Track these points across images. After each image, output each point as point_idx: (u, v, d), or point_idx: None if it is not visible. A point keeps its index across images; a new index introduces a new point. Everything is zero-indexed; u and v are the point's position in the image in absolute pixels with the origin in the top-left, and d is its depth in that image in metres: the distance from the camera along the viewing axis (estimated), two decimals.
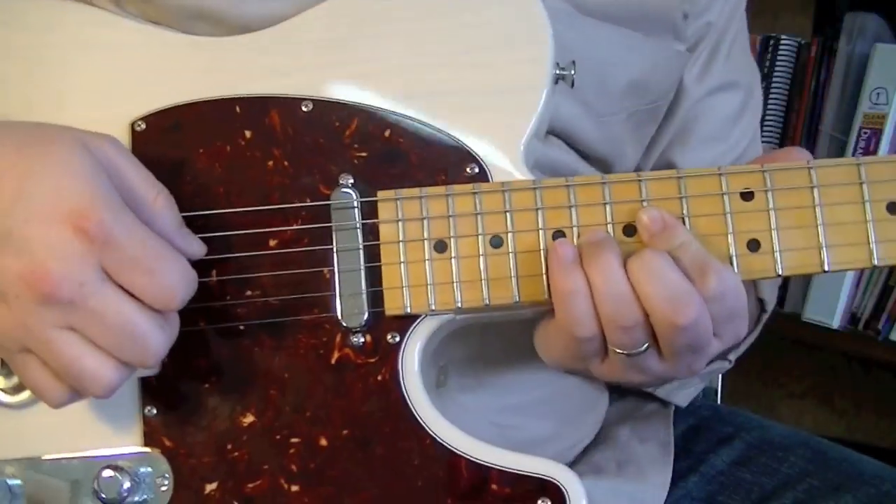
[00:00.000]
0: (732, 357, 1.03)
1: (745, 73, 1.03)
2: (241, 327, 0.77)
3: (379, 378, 0.76)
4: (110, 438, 0.77)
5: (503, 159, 0.76)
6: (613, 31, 0.87)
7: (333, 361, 0.76)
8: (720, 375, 1.43)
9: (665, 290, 0.69)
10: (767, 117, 1.84)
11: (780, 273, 0.73)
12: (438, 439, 0.75)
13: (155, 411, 0.77)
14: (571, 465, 0.97)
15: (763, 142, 1.83)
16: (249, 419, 0.76)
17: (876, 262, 0.73)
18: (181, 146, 0.78)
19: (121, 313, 0.68)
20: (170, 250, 0.70)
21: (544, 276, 0.74)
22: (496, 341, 0.87)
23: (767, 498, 0.98)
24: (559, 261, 0.71)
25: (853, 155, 1.75)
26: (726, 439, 1.05)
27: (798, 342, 1.90)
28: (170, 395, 0.77)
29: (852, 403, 2.09)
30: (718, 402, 1.51)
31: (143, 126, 0.78)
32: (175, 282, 0.69)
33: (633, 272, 0.70)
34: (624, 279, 0.70)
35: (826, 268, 0.73)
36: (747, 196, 0.74)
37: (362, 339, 0.76)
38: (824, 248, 0.73)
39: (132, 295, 0.69)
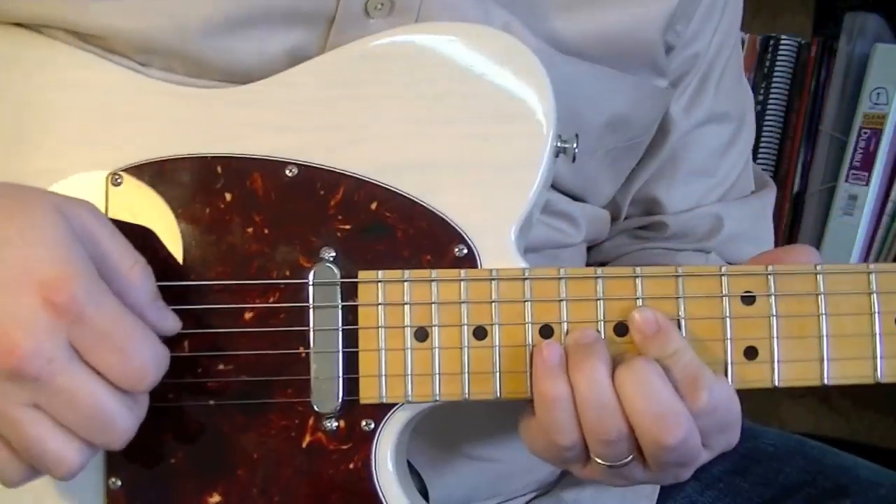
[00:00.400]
0: None
1: (736, 103, 0.96)
2: (212, 403, 0.70)
3: (351, 466, 0.69)
4: None
5: (494, 241, 0.69)
6: (590, 69, 0.79)
7: (305, 445, 0.70)
8: None
9: (653, 406, 0.63)
10: (767, 117, 1.77)
11: (776, 385, 0.67)
12: None
13: (119, 483, 0.71)
14: (554, 483, 0.93)
15: (763, 142, 1.77)
16: (216, 499, 0.70)
17: (880, 378, 0.67)
18: (159, 205, 0.71)
19: (89, 394, 0.62)
20: (142, 328, 0.64)
21: (528, 374, 0.67)
22: None
23: None
24: (544, 364, 0.65)
25: (853, 154, 1.68)
26: None
27: None
28: (135, 467, 0.70)
29: (852, 403, 2.03)
30: None
31: (121, 180, 0.71)
32: (146, 362, 0.63)
33: (621, 384, 0.64)
34: (610, 389, 0.64)
35: (825, 381, 0.67)
36: (748, 300, 0.67)
37: (335, 424, 0.69)
38: (825, 361, 0.67)
39: (100, 373, 0.62)
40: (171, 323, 0.67)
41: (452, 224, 0.69)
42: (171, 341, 0.68)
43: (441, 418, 0.81)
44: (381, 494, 0.69)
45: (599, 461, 0.66)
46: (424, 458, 0.80)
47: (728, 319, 0.67)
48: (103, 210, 0.70)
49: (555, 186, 0.83)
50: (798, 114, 1.77)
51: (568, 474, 0.94)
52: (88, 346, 0.62)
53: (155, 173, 0.70)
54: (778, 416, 2.07)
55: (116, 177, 0.71)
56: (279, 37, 0.72)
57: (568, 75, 0.77)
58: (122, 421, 0.63)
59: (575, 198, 0.85)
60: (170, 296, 0.68)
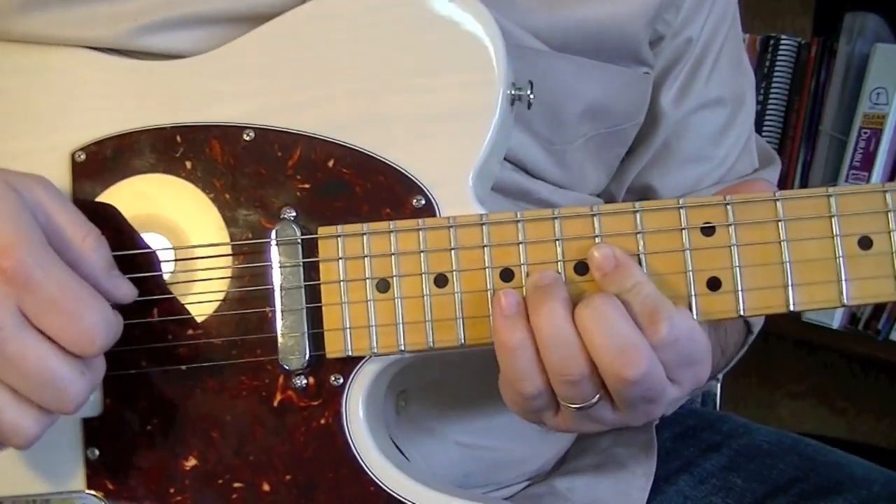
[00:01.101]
0: (720, 375, 0.95)
1: (732, 86, 0.93)
2: (184, 368, 0.69)
3: (322, 422, 0.68)
4: (52, 481, 0.70)
5: (451, 190, 0.68)
6: (565, 61, 0.77)
7: (276, 404, 0.68)
8: (719, 375, 1.34)
9: (613, 340, 0.61)
10: (767, 117, 1.74)
11: (742, 314, 0.64)
12: (383, 486, 0.67)
13: (98, 453, 0.69)
14: (548, 474, 0.90)
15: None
16: (192, 462, 0.69)
17: (846, 301, 0.64)
18: (122, 177, 0.70)
19: (39, 359, 0.61)
20: (91, 294, 0.62)
21: (490, 318, 0.65)
22: (458, 369, 0.79)
23: (759, 502, 0.90)
24: (502, 312, 0.63)
25: (853, 155, 1.64)
26: (714, 446, 0.97)
27: (798, 342, 1.80)
28: (112, 437, 0.69)
29: (852, 403, 1.98)
30: (717, 403, 1.42)
31: (84, 157, 0.71)
32: (94, 326, 0.61)
33: (581, 320, 0.62)
34: (570, 328, 0.62)
35: (791, 308, 0.64)
36: (708, 231, 0.64)
37: (305, 382, 0.68)
38: (790, 287, 0.64)
39: (51, 339, 0.61)
40: (126, 291, 0.66)
41: (409, 176, 0.68)
42: (140, 309, 0.68)
43: (429, 405, 0.80)
44: (353, 448, 0.67)
45: (569, 405, 0.64)
46: (414, 446, 0.78)
47: (689, 252, 0.64)
48: (69, 187, 0.70)
49: (538, 176, 0.81)
50: (798, 114, 1.75)
51: (562, 463, 0.92)
52: (37, 311, 0.61)
53: (116, 148, 0.70)
54: (778, 415, 2.02)
55: (79, 154, 0.71)
56: (241, 32, 0.72)
57: (544, 69, 0.76)
58: (74, 385, 0.62)
59: (561, 187, 0.83)
60: (135, 265, 0.68)
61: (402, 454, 0.77)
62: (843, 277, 0.63)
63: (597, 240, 0.65)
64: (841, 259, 0.63)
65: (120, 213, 0.70)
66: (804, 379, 2.04)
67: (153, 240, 0.70)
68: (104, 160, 0.70)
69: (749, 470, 0.93)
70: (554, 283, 0.64)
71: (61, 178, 0.70)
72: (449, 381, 0.80)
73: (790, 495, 0.89)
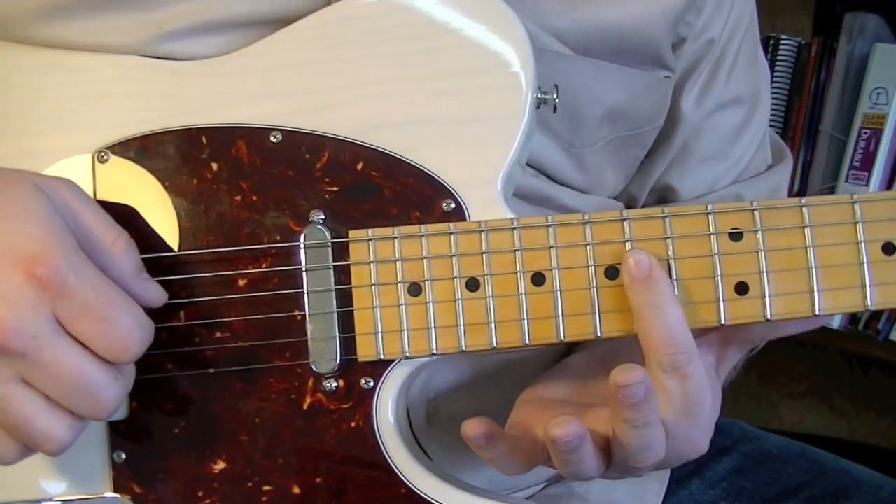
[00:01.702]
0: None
1: (749, 84, 0.95)
2: (212, 372, 0.71)
3: (353, 424, 0.70)
4: (78, 484, 0.72)
5: (481, 193, 0.70)
6: (586, 64, 0.80)
7: (305, 407, 0.70)
8: None
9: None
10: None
11: (769, 318, 0.67)
12: (413, 488, 0.69)
13: (124, 456, 0.71)
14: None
15: None
16: (220, 465, 0.71)
17: (870, 306, 0.67)
18: (147, 179, 0.72)
19: (74, 366, 0.62)
20: (125, 299, 0.64)
21: (522, 322, 0.68)
22: (487, 373, 0.82)
23: None
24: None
25: (853, 155, 1.68)
26: (725, 450, 1.00)
27: (798, 342, 1.83)
28: (139, 440, 0.71)
29: (852, 403, 2.02)
30: None
31: (108, 157, 0.72)
32: (129, 332, 0.63)
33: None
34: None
35: (817, 312, 0.67)
36: (736, 236, 0.67)
37: (335, 384, 0.70)
38: (816, 293, 0.67)
39: (85, 345, 0.63)
40: (156, 295, 0.68)
41: (439, 179, 0.70)
42: (167, 313, 0.69)
43: (459, 410, 0.82)
44: (384, 450, 0.69)
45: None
46: (441, 453, 0.80)
47: (717, 257, 0.67)
48: (91, 187, 0.72)
49: (558, 179, 0.83)
50: (798, 114, 1.78)
51: None
52: (72, 317, 0.62)
53: (140, 148, 0.72)
54: (778, 415, 2.05)
55: (102, 154, 0.72)
56: (264, 36, 0.73)
57: (564, 71, 0.78)
58: (108, 391, 0.64)
59: (581, 191, 0.86)
60: (162, 268, 0.70)
61: (430, 459, 0.79)
62: (868, 283, 0.66)
63: (627, 245, 0.67)
64: (865, 265, 0.66)
65: (147, 213, 0.72)
66: (804, 379, 2.08)
67: (178, 242, 0.71)
68: (128, 161, 0.72)
69: (759, 473, 0.96)
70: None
71: (85, 178, 0.72)
72: (477, 386, 0.82)
73: (799, 499, 0.92)
